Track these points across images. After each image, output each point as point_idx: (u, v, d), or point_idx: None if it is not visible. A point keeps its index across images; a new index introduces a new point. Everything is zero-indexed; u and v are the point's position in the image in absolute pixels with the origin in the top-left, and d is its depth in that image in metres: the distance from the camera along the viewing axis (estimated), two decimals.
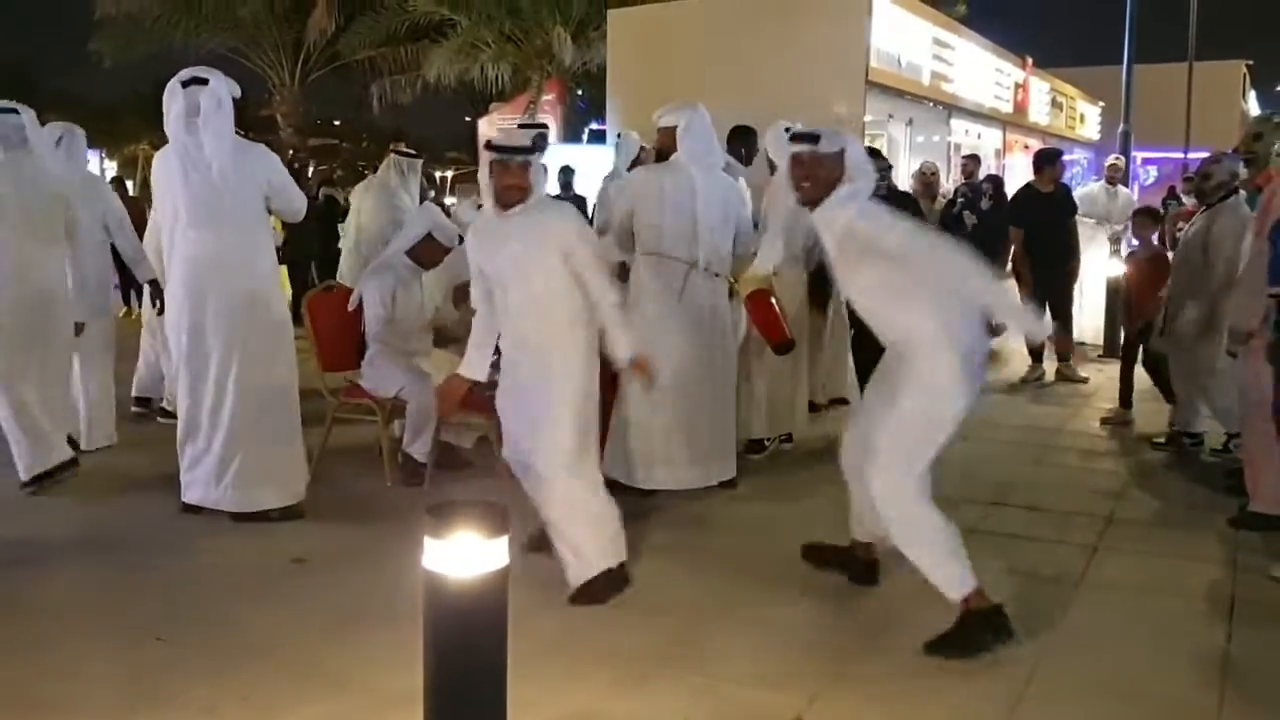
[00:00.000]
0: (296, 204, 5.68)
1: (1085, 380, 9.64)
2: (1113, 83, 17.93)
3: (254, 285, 5.36)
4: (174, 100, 5.24)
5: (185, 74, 5.28)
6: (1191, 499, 6.18)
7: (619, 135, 11.02)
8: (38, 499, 5.76)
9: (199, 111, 5.18)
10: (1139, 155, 18.55)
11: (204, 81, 5.22)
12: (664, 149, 5.98)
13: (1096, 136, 24.23)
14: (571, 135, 20.18)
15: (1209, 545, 5.34)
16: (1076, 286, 11.16)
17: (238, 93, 5.35)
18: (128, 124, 39.18)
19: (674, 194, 5.79)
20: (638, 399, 5.81)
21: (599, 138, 18.58)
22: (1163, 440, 7.22)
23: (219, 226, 5.25)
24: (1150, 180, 22.23)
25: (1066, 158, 14.97)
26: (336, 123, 43.91)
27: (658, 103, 6.11)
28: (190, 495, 5.47)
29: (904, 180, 13.99)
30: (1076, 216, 11.40)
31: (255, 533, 5.24)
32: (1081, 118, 24.06)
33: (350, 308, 6.21)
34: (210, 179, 5.21)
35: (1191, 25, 23.44)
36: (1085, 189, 13.08)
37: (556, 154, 14.55)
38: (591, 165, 14.77)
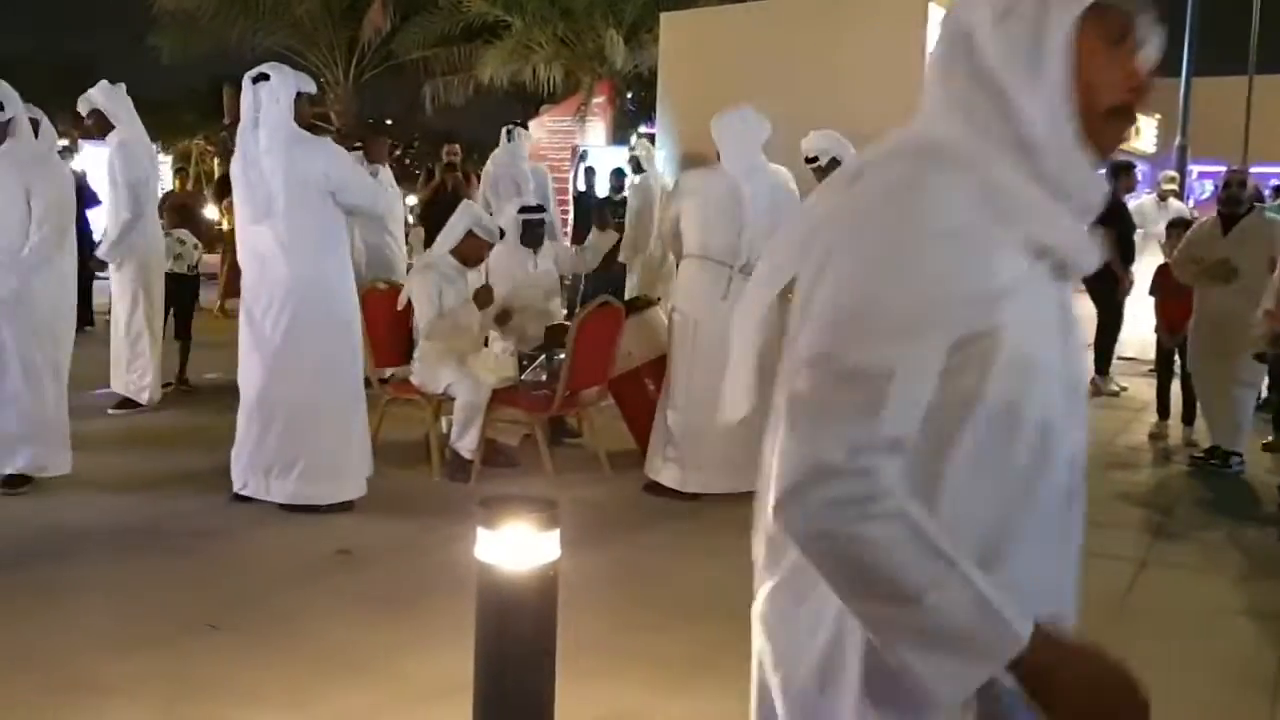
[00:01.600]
0: (362, 198, 5.66)
1: (1124, 389, 9.63)
2: (1169, 95, 17.73)
3: (312, 281, 5.38)
4: (245, 97, 5.34)
5: (255, 70, 5.36)
6: (1242, 515, 6.10)
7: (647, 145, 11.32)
8: (92, 487, 5.84)
9: (260, 106, 5.27)
10: (1195, 169, 18.33)
11: (266, 77, 5.30)
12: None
13: (1152, 149, 23.94)
14: (621, 138, 20.20)
15: (1260, 563, 5.27)
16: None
17: (310, 87, 5.43)
18: (185, 119, 39.64)
19: (718, 198, 5.80)
20: (680, 401, 5.82)
21: (648, 141, 18.59)
22: (1203, 455, 7.12)
23: (273, 222, 5.31)
24: (1206, 195, 21.97)
25: None
26: (389, 122, 44.22)
27: (709, 106, 6.12)
28: (242, 486, 5.52)
29: None
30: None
31: (303, 523, 5.29)
32: (1137, 130, 23.80)
33: (399, 307, 6.26)
34: (261, 172, 5.28)
35: (1253, 38, 23.12)
36: (1136, 202, 12.97)
37: (607, 157, 14.63)
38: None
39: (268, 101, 5.27)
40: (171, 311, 8.22)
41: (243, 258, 5.53)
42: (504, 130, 10.48)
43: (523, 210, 6.94)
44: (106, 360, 7.72)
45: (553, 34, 21.26)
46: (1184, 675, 3.99)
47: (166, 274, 8.02)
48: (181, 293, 8.46)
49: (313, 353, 5.38)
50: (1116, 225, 9.45)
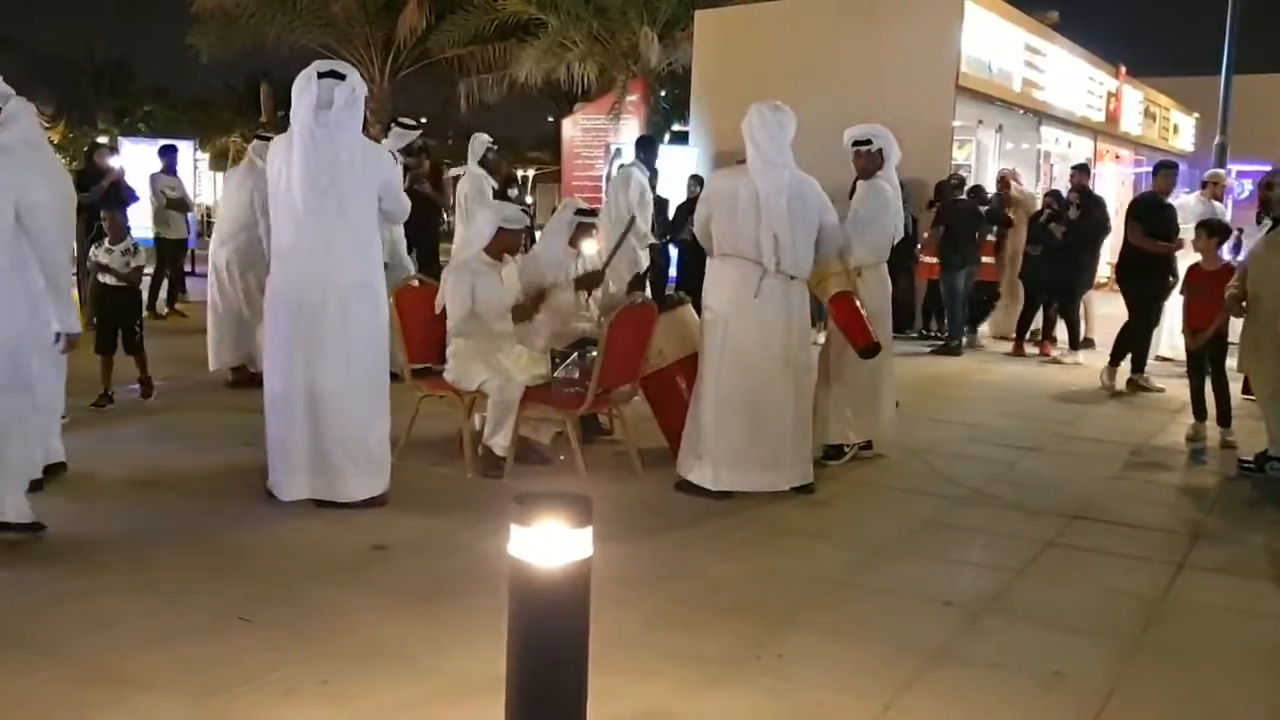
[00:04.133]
0: (403, 206, 5.84)
1: (1162, 390, 9.56)
2: (1208, 93, 17.56)
3: (357, 277, 5.43)
4: (306, 90, 5.33)
5: (322, 66, 5.39)
6: None
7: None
8: (120, 482, 5.89)
9: (331, 105, 5.29)
10: (1234, 168, 18.14)
11: (341, 76, 5.34)
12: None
13: (1190, 148, 23.78)
14: (654, 136, 20.20)
15: None
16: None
17: (365, 91, 5.49)
18: (221, 117, 39.98)
19: (743, 197, 5.80)
20: (711, 400, 5.82)
21: (681, 139, 18.60)
22: (1250, 460, 7.03)
23: (332, 217, 5.33)
24: (1244, 194, 21.77)
25: None
26: (423, 120, 44.47)
27: (742, 103, 6.10)
28: (273, 481, 5.55)
29: (993, 187, 13.85)
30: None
31: (337, 519, 5.31)
32: (1175, 129, 23.64)
33: (436, 311, 6.27)
34: (334, 171, 5.29)
35: None
36: (1179, 201, 12.85)
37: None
38: (673, 166, 14.80)
39: (345, 101, 5.31)
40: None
41: (279, 247, 5.50)
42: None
43: (579, 213, 6.89)
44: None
45: (587, 32, 21.30)
46: (1221, 676, 3.95)
47: (95, 284, 7.73)
48: (112, 305, 7.68)
49: (363, 351, 5.45)
50: (1151, 223, 9.43)
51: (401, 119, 9.64)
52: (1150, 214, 9.71)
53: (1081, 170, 12.32)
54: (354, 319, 5.40)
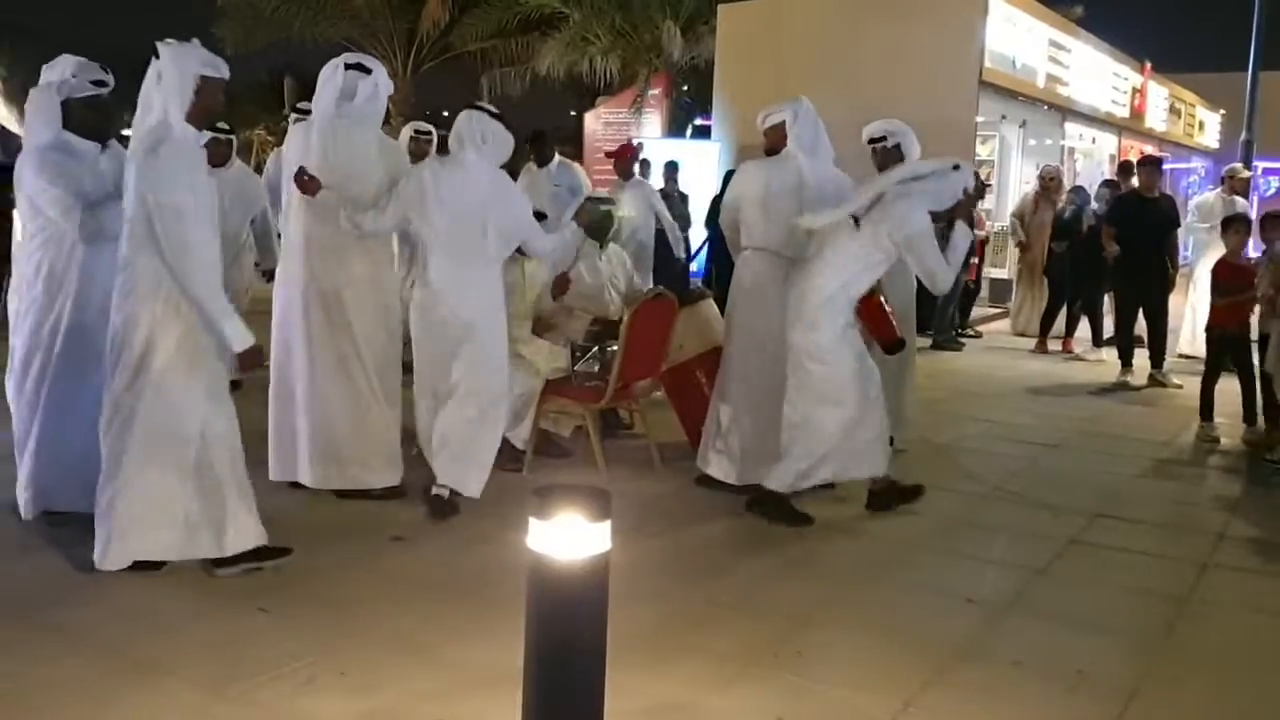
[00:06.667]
0: None
1: (1180, 387, 9.49)
2: (1235, 89, 17.45)
3: (368, 267, 5.43)
4: (332, 79, 5.36)
5: (350, 58, 5.44)
6: None
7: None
8: None
9: (354, 97, 5.32)
10: (1260, 165, 17.99)
11: (367, 70, 5.36)
12: (773, 149, 5.90)
13: (1215, 145, 23.63)
14: (676, 130, 20.15)
15: None
16: (1187, 296, 11.02)
17: (391, 89, 5.54)
18: (246, 110, 40.09)
19: (778, 187, 5.71)
20: (733, 396, 5.79)
21: (703, 133, 18.55)
22: (1275, 459, 6.97)
23: (374, 214, 5.32)
24: (1271, 191, 21.61)
25: (1183, 166, 14.48)
26: (445, 114, 44.44)
27: (765, 98, 6.06)
28: (275, 470, 5.53)
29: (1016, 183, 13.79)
30: (1193, 224, 11.23)
31: (357, 509, 5.32)
32: (1200, 125, 23.50)
33: None
34: (350, 163, 5.29)
35: None
36: (1201, 197, 12.76)
37: (662, 149, 14.61)
38: (695, 161, 14.78)
39: (367, 95, 5.34)
40: None
41: (293, 235, 5.49)
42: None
43: (590, 200, 6.85)
44: None
45: (610, 26, 21.26)
46: (1246, 677, 3.92)
47: None
48: None
49: (378, 341, 5.45)
50: (1126, 224, 9.46)
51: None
52: (1126, 215, 9.67)
53: (1129, 168, 12.25)
54: (367, 311, 5.40)
